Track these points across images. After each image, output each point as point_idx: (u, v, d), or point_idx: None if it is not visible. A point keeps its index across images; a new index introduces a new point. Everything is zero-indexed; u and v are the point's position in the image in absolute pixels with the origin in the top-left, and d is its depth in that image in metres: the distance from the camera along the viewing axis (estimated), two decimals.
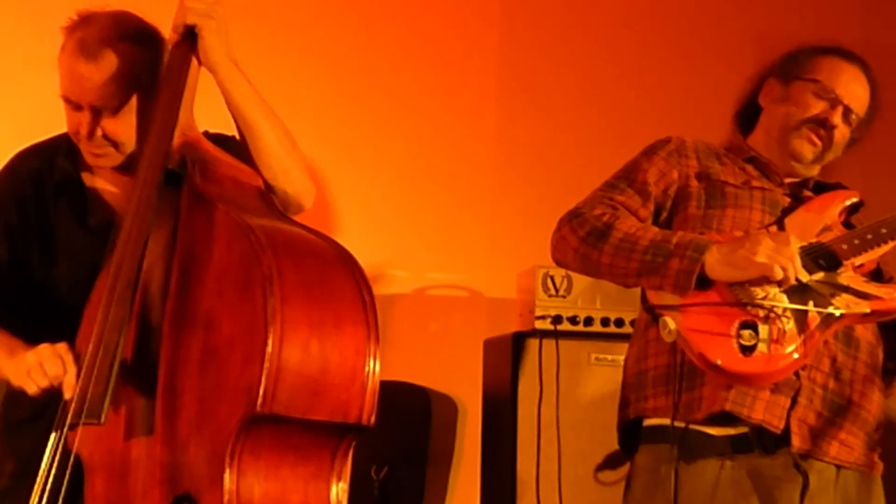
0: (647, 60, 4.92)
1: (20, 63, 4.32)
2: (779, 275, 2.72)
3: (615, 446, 3.08)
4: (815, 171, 3.10)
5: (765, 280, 2.74)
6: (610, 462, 4.13)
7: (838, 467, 2.89)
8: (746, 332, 2.71)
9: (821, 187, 3.09)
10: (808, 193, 3.06)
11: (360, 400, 2.52)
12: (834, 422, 2.86)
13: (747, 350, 2.70)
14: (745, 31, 4.90)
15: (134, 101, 2.83)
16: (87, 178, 2.95)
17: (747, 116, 3.14)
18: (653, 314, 2.81)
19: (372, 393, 2.53)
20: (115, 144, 2.85)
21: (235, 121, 2.81)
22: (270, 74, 4.56)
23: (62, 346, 2.67)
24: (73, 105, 2.84)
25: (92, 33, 2.81)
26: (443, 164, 4.78)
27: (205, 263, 2.60)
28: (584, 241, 2.85)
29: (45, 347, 2.67)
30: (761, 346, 2.70)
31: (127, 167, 2.88)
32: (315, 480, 2.53)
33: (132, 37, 2.84)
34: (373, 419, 2.54)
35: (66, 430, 2.60)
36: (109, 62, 2.79)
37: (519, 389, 4.22)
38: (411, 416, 4.47)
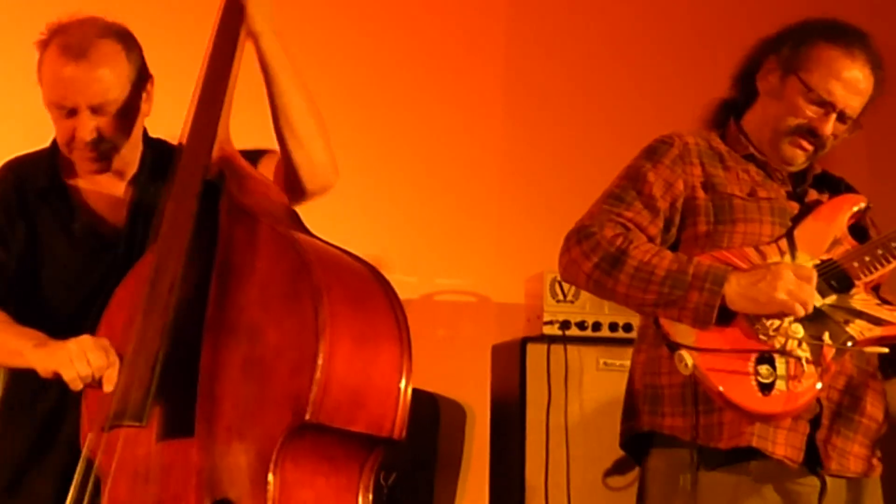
0: (653, 64, 4.93)
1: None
2: (799, 313, 2.71)
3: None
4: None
5: (783, 314, 2.73)
6: (619, 467, 4.13)
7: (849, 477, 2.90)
8: (764, 369, 2.70)
9: (823, 180, 3.06)
10: (813, 195, 3.02)
11: (393, 414, 2.59)
12: (848, 436, 2.87)
13: (766, 388, 2.69)
14: (750, 35, 4.89)
15: (127, 97, 2.85)
16: (72, 185, 2.96)
17: (746, 84, 3.06)
18: (668, 346, 2.79)
19: (404, 408, 2.60)
20: (114, 145, 2.87)
21: (268, 89, 2.83)
22: None
23: (104, 341, 2.68)
24: (67, 111, 2.83)
25: (73, 35, 2.83)
26: (450, 170, 4.79)
27: (246, 274, 2.63)
28: (597, 267, 2.81)
29: (87, 338, 2.68)
30: (779, 384, 2.69)
31: (119, 171, 2.92)
32: (346, 492, 2.58)
33: (113, 34, 2.86)
34: (403, 433, 2.60)
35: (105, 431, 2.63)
36: (98, 58, 2.81)
37: (527, 395, 4.22)
38: (420, 422, 4.42)
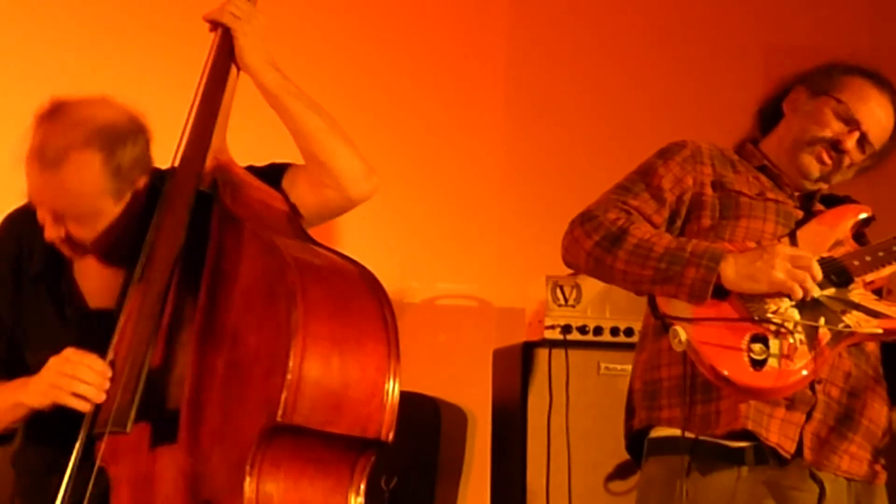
0: (655, 69, 4.92)
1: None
2: (797, 293, 2.73)
3: (625, 456, 3.08)
4: (822, 187, 3.09)
5: (779, 294, 2.74)
6: (620, 472, 4.12)
7: (848, 480, 2.89)
8: (757, 346, 2.71)
9: (830, 200, 3.08)
10: (819, 206, 3.05)
11: (379, 416, 2.56)
12: (845, 435, 2.87)
13: (757, 364, 2.70)
14: (753, 40, 4.90)
15: (103, 205, 2.70)
16: (67, 262, 2.83)
17: (768, 116, 3.12)
18: (663, 323, 2.80)
19: (391, 410, 2.57)
20: (77, 245, 2.74)
21: (281, 117, 2.82)
22: None
23: (73, 353, 2.65)
24: (35, 204, 2.73)
25: (53, 137, 2.65)
26: (452, 174, 4.79)
27: (232, 280, 2.64)
28: (597, 244, 2.84)
29: (52, 361, 2.64)
30: (772, 361, 2.70)
31: (107, 255, 2.80)
32: (333, 494, 2.57)
33: (99, 140, 2.66)
34: (391, 435, 2.58)
35: (82, 439, 2.61)
36: (67, 174, 2.64)
37: (528, 399, 4.21)
38: (421, 427, 4.47)
